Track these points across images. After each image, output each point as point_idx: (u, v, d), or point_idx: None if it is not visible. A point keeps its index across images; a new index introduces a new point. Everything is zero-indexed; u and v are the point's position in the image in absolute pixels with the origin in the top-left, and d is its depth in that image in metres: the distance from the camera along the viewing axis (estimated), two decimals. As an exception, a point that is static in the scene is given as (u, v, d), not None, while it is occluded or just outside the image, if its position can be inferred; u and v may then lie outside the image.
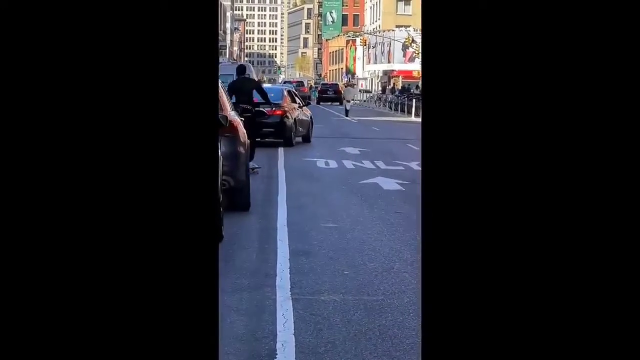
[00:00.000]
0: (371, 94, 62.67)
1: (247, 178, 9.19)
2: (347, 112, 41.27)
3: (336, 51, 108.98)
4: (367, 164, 15.15)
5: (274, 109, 18.69)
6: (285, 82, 60.97)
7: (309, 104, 27.47)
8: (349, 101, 41.90)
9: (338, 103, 51.25)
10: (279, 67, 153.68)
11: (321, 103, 53.48)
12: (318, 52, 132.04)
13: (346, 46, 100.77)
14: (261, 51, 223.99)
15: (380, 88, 72.52)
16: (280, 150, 17.81)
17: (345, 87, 51.07)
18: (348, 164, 15.23)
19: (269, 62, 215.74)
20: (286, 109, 18.94)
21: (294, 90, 22.20)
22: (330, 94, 54.63)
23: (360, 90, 63.33)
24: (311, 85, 68.72)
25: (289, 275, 6.26)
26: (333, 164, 15.15)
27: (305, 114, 20.62)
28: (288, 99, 19.79)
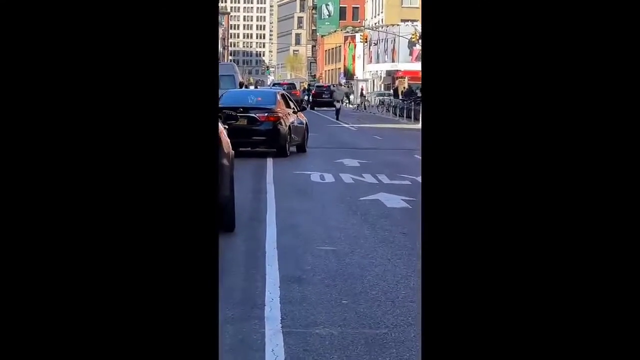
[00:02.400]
0: (366, 96, 62.63)
1: (231, 193, 9.18)
2: (337, 115, 41.53)
3: (333, 49, 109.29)
4: (368, 178, 15.19)
5: (266, 114, 18.76)
6: (274, 85, 61.04)
7: (305, 108, 27.63)
8: (338, 101, 42.30)
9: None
10: (267, 67, 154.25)
11: (316, 108, 53.62)
12: (312, 50, 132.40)
13: (344, 43, 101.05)
14: (247, 49, 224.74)
15: (384, 89, 72.65)
16: (269, 161, 17.89)
17: (333, 87, 51.46)
18: (346, 177, 15.27)
19: (257, 61, 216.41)
20: (280, 114, 19.04)
21: (288, 94, 22.30)
22: (326, 98, 54.79)
23: (361, 95, 63.32)
24: (304, 88, 68.83)
25: (279, 305, 6.29)
26: (329, 177, 15.23)
27: (300, 120, 20.75)
28: (282, 103, 19.89)
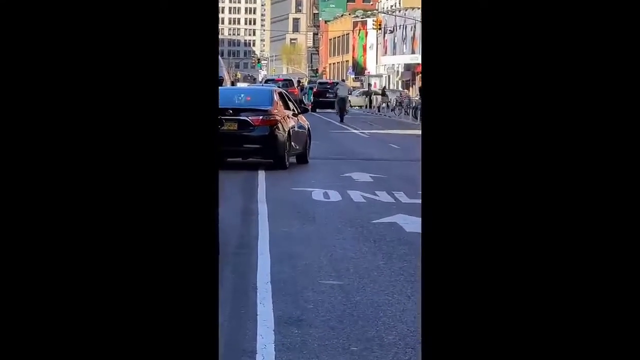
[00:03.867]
0: (388, 95, 62.47)
1: None
2: (342, 116, 41.58)
3: (339, 37, 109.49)
4: (383, 196, 15.21)
5: (261, 117, 18.71)
6: (267, 81, 60.69)
7: (307, 110, 27.53)
8: (343, 99, 42.50)
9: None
10: (258, 59, 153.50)
11: (318, 110, 53.57)
12: (314, 39, 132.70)
13: (353, 30, 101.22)
14: (234, 37, 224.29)
15: (402, 87, 72.54)
16: (261, 174, 17.94)
17: (336, 84, 51.53)
18: (356, 195, 15.29)
19: (245, 52, 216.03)
20: (277, 117, 19.06)
21: (286, 93, 22.33)
22: (330, 97, 54.73)
23: (377, 93, 63.12)
24: (303, 85, 68.83)
25: (273, 353, 6.29)
26: (335, 195, 15.24)
27: (301, 124, 20.79)
28: (280, 104, 19.89)
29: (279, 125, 18.94)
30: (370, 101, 61.69)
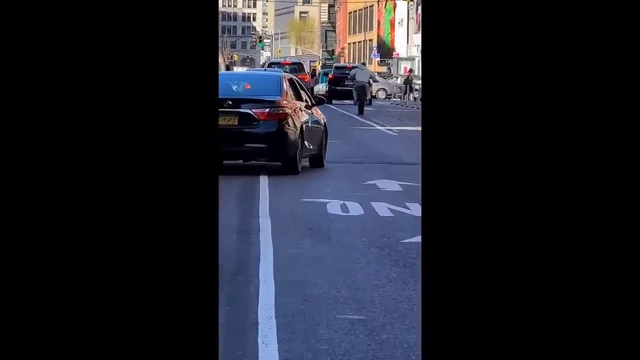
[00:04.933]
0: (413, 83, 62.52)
1: None
2: (360, 108, 41.52)
3: (361, 11, 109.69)
4: (415, 210, 15.07)
5: (267, 110, 18.52)
6: (270, 65, 60.75)
7: (323, 101, 27.27)
8: (362, 86, 42.42)
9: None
10: (259, 37, 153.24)
11: (334, 101, 53.65)
12: (329, 13, 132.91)
13: (379, 2, 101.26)
14: (230, 9, 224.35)
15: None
16: (263, 180, 17.88)
17: (352, 68, 51.44)
18: (381, 208, 15.23)
19: (244, 28, 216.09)
20: (288, 110, 18.91)
21: (297, 79, 22.18)
22: (349, 85, 54.74)
23: (407, 82, 63.10)
24: (314, 70, 68.85)
25: (279, 406, 6.29)
26: (355, 208, 15.12)
27: (316, 118, 20.69)
28: (290, 93, 19.76)
29: (290, 119, 18.80)
30: (408, 91, 61.65)
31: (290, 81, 20.54)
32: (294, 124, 18.91)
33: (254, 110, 18.50)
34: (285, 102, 19.09)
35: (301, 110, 19.61)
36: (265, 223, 13.40)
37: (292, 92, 19.89)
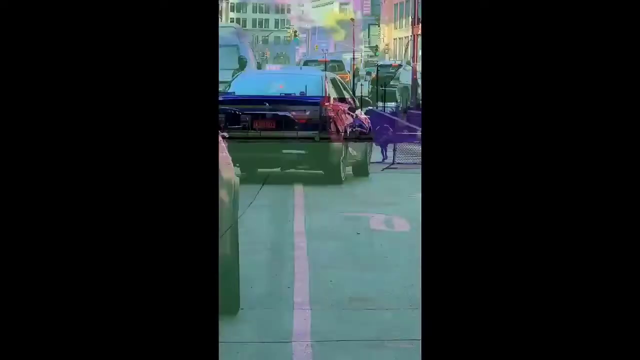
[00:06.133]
0: None
1: (234, 252, 8.72)
2: (407, 111, 40.62)
3: (409, 1, 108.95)
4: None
5: (309, 113, 18.18)
6: (306, 62, 60.26)
7: (368, 104, 26.85)
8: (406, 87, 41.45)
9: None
10: (294, 32, 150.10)
11: (379, 103, 53.34)
12: (372, 4, 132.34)
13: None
14: (258, 1, 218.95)
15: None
16: (298, 191, 17.31)
17: (397, 67, 50.77)
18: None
19: (276, 22, 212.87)
20: (331, 113, 18.52)
21: (340, 79, 21.96)
22: (395, 86, 54.37)
23: None
24: (356, 68, 68.22)
25: None
26: (402, 224, 14.37)
27: (360, 122, 20.41)
28: (333, 95, 19.37)
29: (333, 124, 18.31)
30: None
31: (334, 82, 20.35)
32: (337, 128, 18.53)
33: (293, 114, 18.05)
34: (328, 104, 18.76)
35: (345, 114, 19.29)
36: (300, 240, 12.74)
37: (335, 94, 19.60)
